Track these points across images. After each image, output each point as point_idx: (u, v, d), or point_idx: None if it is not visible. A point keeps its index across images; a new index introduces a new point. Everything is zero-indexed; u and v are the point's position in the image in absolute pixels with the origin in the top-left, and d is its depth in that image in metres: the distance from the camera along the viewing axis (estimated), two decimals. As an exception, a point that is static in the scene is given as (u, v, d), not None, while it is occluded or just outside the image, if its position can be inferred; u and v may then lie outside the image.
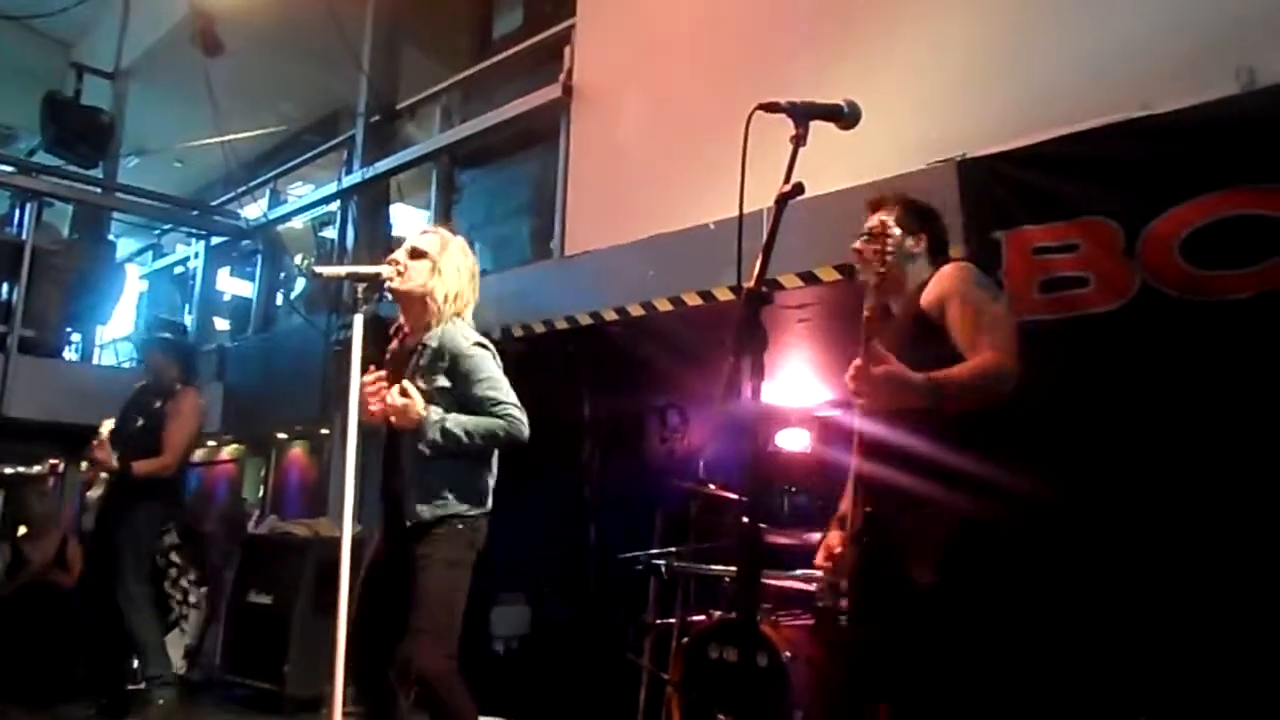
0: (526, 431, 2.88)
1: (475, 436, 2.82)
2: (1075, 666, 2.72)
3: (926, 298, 2.44)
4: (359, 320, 2.81)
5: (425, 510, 2.83)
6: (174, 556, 5.43)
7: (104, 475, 4.62)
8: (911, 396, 2.19)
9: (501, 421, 2.85)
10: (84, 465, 4.76)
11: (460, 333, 2.95)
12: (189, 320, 8.69)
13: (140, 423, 4.69)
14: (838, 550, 2.54)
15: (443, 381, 2.88)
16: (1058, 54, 3.27)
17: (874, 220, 2.53)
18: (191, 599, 5.74)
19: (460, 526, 2.86)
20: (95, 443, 4.48)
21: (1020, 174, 3.09)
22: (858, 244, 2.55)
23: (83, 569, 5.04)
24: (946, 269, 2.50)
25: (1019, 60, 3.38)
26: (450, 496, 2.86)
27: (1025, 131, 3.11)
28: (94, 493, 4.67)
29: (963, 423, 2.23)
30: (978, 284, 2.45)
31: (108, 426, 4.53)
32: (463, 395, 2.88)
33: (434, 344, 2.92)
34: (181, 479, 5.04)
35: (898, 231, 2.42)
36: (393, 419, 2.82)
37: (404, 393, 2.80)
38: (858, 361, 2.18)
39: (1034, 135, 3.08)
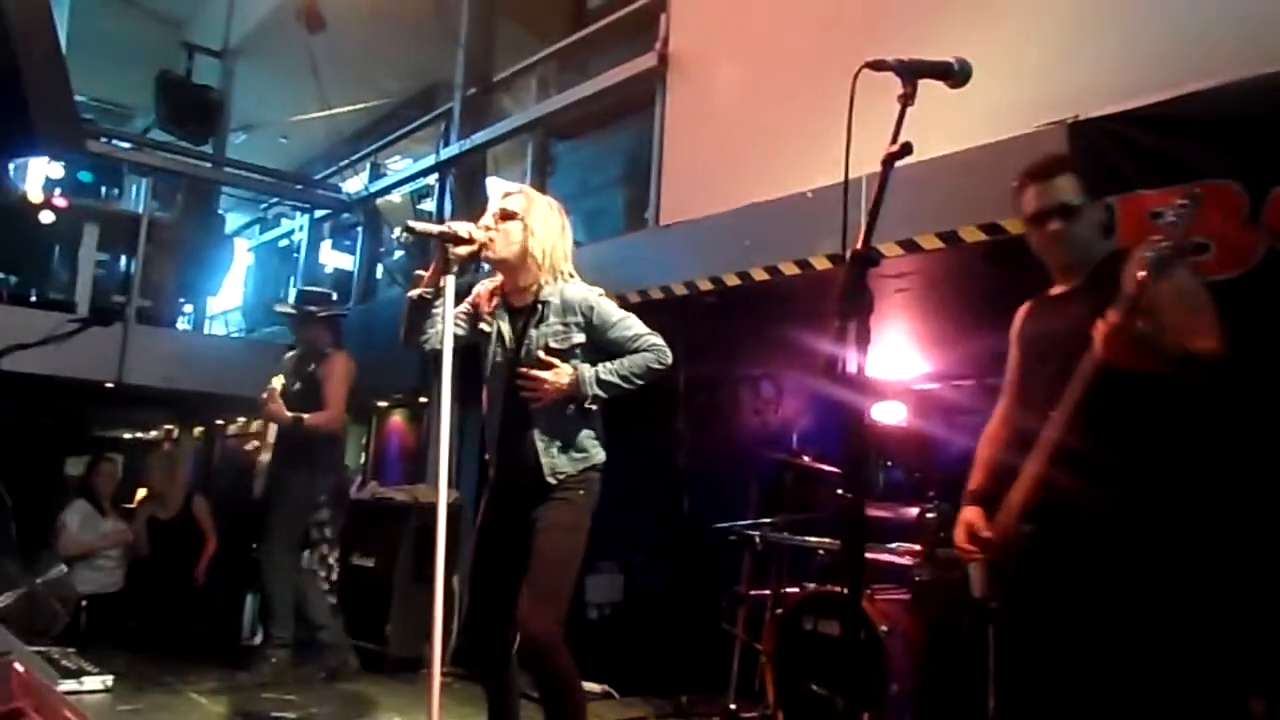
0: (670, 355, 2.95)
1: (633, 377, 2.89)
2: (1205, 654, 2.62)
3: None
4: (450, 282, 2.81)
5: (568, 465, 2.88)
6: (326, 531, 5.52)
7: (270, 440, 4.83)
8: (1136, 354, 2.18)
9: (650, 354, 2.91)
10: (255, 424, 4.96)
11: (583, 288, 3.00)
12: (293, 292, 8.95)
13: (297, 386, 4.93)
14: (985, 533, 2.47)
15: (579, 337, 2.91)
16: (1177, 6, 3.11)
17: (1051, 197, 2.46)
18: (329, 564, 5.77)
19: (581, 492, 2.90)
20: (265, 395, 4.72)
21: (1137, 136, 2.94)
22: (1040, 231, 2.48)
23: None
24: None
25: (1135, 14, 3.22)
26: (589, 449, 2.94)
27: (1142, 90, 2.96)
28: (264, 457, 4.87)
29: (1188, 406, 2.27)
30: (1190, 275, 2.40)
31: (279, 381, 4.79)
32: (600, 342, 2.93)
33: (555, 300, 2.94)
34: (340, 446, 5.25)
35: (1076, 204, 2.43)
36: (539, 397, 2.84)
37: (545, 365, 2.84)
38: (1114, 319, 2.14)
39: (1151, 95, 2.93)
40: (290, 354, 5.27)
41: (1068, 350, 2.33)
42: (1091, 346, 2.21)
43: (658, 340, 2.94)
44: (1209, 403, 2.44)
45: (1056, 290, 2.59)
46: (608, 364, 2.88)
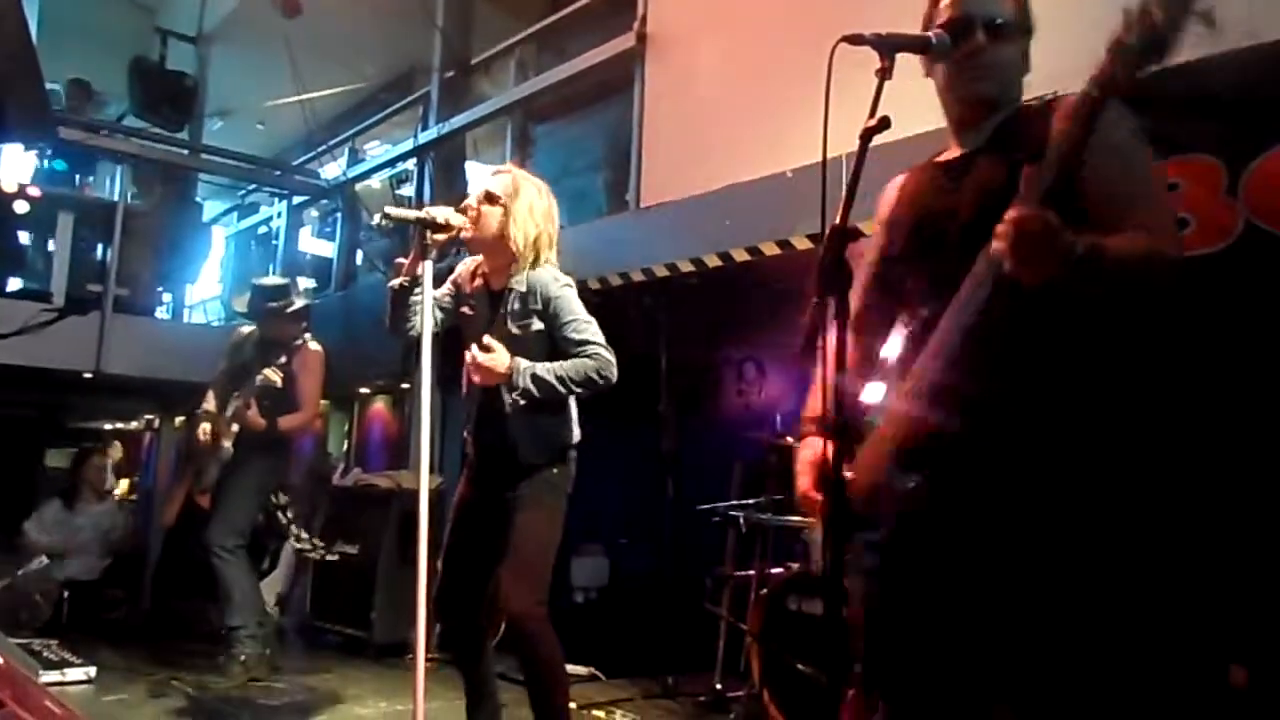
0: (616, 371, 2.87)
1: (569, 381, 2.81)
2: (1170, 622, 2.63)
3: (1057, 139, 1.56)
4: (428, 268, 2.80)
5: (545, 450, 2.88)
6: (290, 512, 5.51)
7: (234, 429, 4.68)
8: (1055, 263, 1.48)
9: (594, 363, 2.83)
10: (204, 427, 4.81)
11: (549, 274, 2.94)
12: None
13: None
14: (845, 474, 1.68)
15: (537, 325, 2.89)
16: (1156, -17, 3.10)
17: (977, 4, 1.82)
18: (315, 543, 5.70)
19: (556, 471, 2.90)
20: (243, 403, 4.58)
21: (1115, 111, 2.94)
22: (982, 37, 1.80)
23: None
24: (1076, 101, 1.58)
25: (1114, -10, 3.21)
26: (564, 431, 2.95)
27: (1120, 66, 2.96)
28: (226, 445, 4.77)
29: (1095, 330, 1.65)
30: (1132, 133, 1.72)
31: (232, 406, 4.65)
32: (552, 335, 2.89)
33: (521, 288, 2.92)
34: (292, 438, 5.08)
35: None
36: (477, 379, 2.83)
37: (485, 348, 2.80)
38: (1016, 211, 1.48)
39: (1130, 70, 2.93)
40: (248, 331, 5.07)
41: (959, 240, 1.66)
42: (988, 250, 1.52)
43: (607, 354, 2.86)
44: (1159, 330, 2.03)
45: (948, 154, 1.95)
46: (549, 364, 2.82)
